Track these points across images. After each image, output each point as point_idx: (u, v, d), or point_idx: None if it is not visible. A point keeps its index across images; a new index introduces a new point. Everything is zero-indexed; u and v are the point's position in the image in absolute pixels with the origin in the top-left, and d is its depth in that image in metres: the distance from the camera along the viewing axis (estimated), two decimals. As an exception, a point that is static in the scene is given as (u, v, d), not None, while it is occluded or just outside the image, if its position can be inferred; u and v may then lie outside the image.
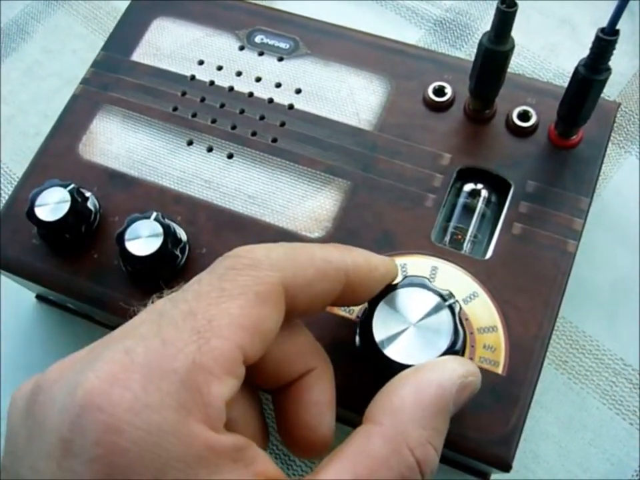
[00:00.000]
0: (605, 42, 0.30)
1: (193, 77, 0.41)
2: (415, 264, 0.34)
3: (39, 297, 0.45)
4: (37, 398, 0.22)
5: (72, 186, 0.35)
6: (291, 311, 0.25)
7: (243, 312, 0.23)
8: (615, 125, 0.38)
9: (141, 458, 0.19)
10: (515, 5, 0.31)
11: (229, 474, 0.21)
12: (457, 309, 0.30)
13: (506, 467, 0.31)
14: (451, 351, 0.29)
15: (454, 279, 0.34)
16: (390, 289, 0.30)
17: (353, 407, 0.33)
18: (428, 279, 0.31)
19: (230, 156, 0.38)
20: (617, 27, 0.29)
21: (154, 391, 0.20)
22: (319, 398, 0.27)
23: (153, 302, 0.24)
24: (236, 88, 0.40)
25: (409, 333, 0.29)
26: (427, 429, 0.24)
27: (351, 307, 0.34)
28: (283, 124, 0.39)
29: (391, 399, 0.25)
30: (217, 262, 0.25)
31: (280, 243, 0.27)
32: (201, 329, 0.22)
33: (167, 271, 0.35)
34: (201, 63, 0.41)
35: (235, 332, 0.22)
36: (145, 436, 0.20)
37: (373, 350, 0.29)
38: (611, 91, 0.47)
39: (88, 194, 0.37)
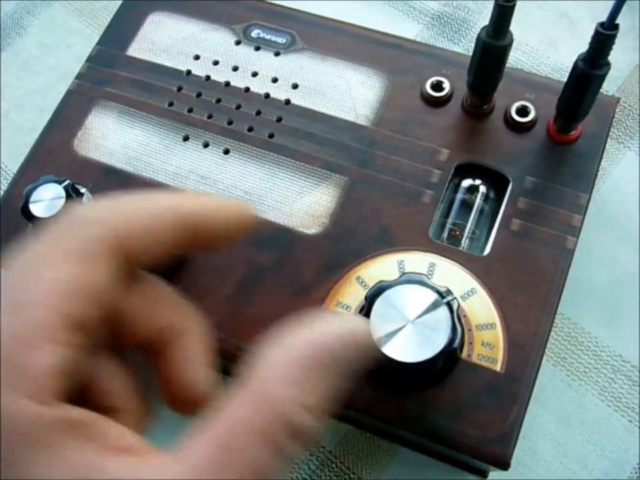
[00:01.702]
0: (604, 37, 0.30)
1: (188, 72, 0.40)
2: (413, 260, 0.34)
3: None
4: None
5: (67, 182, 0.35)
6: (133, 263, 0.23)
7: (60, 275, 0.21)
8: (614, 120, 0.38)
9: None
10: (514, -1, 0.30)
11: (64, 451, 0.20)
12: (455, 306, 0.30)
13: (504, 465, 0.31)
14: (448, 348, 0.29)
15: (452, 275, 0.34)
16: (382, 288, 0.30)
17: (351, 405, 0.32)
18: (426, 276, 0.31)
19: (226, 151, 0.38)
20: (617, 22, 0.29)
21: None
22: (190, 355, 0.25)
23: None
24: (232, 83, 0.40)
25: (406, 330, 0.29)
26: (299, 391, 0.22)
27: (348, 304, 0.34)
28: (279, 119, 0.39)
29: (262, 361, 0.23)
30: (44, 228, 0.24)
31: (112, 197, 0.25)
32: (17, 300, 0.21)
33: (163, 268, 0.34)
34: (197, 57, 0.41)
35: (52, 297, 0.21)
36: None
37: (370, 347, 0.29)
38: (609, 86, 0.47)
39: (83, 190, 0.36)
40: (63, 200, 0.34)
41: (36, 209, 0.34)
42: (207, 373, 0.26)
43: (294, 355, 0.23)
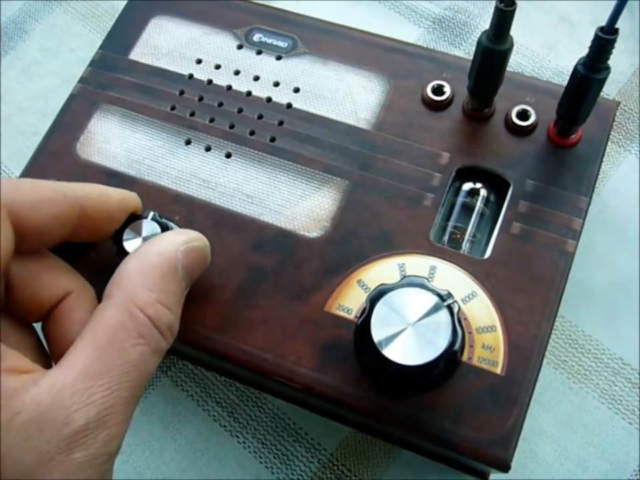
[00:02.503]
0: (604, 41, 0.30)
1: (190, 76, 0.41)
2: (414, 263, 0.34)
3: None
4: None
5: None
6: (23, 236, 0.27)
7: None
8: (614, 123, 0.38)
9: None
10: (514, 3, 0.30)
11: None
12: (455, 309, 0.30)
13: (505, 467, 0.31)
14: (449, 351, 0.29)
15: (452, 278, 0.34)
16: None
17: (352, 408, 0.33)
18: (426, 279, 0.31)
19: (228, 155, 0.38)
20: (616, 26, 0.29)
21: None
22: (81, 317, 0.29)
23: None
24: (234, 87, 0.40)
25: (407, 333, 0.29)
26: (155, 291, 0.27)
27: (350, 307, 0.34)
28: (281, 123, 0.39)
29: (119, 273, 0.28)
30: None
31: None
32: None
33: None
34: (199, 61, 0.41)
35: None
36: None
37: (371, 350, 0.29)
38: (610, 90, 0.47)
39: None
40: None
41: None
42: None
43: (147, 264, 0.28)
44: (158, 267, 0.28)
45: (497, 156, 0.37)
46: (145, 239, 0.33)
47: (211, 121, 0.39)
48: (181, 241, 0.29)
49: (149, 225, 0.33)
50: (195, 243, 0.30)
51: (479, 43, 0.33)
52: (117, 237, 0.33)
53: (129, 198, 0.33)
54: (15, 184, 0.27)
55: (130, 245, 0.33)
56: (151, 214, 0.34)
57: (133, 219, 0.34)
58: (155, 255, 0.28)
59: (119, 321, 0.26)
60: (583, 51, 0.31)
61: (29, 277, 0.28)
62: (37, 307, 0.29)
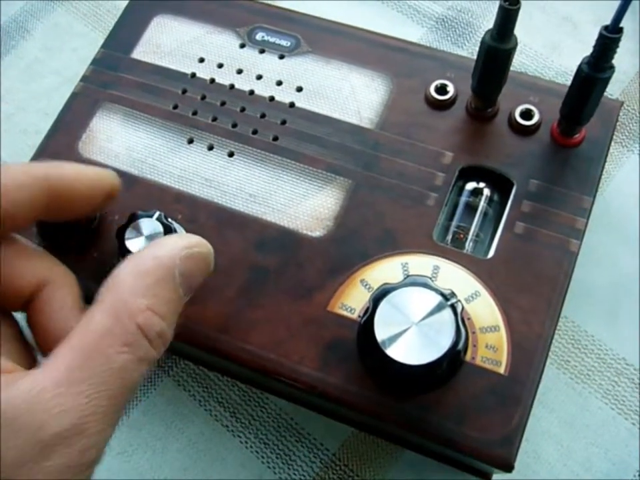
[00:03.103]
0: (609, 40, 0.30)
1: (193, 75, 0.41)
2: (417, 263, 0.34)
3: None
4: None
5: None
6: None
7: None
8: (618, 123, 0.38)
9: None
10: (518, 2, 0.30)
11: None
12: (458, 309, 0.30)
13: (508, 467, 0.31)
14: (452, 350, 0.29)
15: (456, 278, 0.34)
16: (386, 291, 0.30)
17: (354, 408, 0.32)
18: (430, 278, 0.31)
19: (231, 154, 0.38)
20: (621, 25, 0.29)
21: None
22: (61, 305, 0.28)
23: None
24: (237, 86, 0.40)
25: (410, 332, 0.29)
26: (148, 297, 0.26)
27: (353, 307, 0.34)
28: (284, 122, 0.39)
29: (112, 277, 0.26)
30: None
31: None
32: None
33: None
34: (201, 60, 0.41)
35: None
36: None
37: (374, 350, 0.29)
38: (613, 89, 0.47)
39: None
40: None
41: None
42: (76, 319, 0.28)
43: (142, 269, 0.26)
44: (153, 273, 0.26)
45: (501, 155, 0.37)
46: (147, 238, 0.33)
47: (214, 119, 0.39)
48: (181, 246, 0.28)
49: (151, 224, 0.33)
50: (196, 248, 0.28)
51: (482, 42, 0.33)
52: (119, 235, 0.33)
53: (104, 177, 0.32)
54: None
55: (132, 243, 0.33)
56: (157, 214, 0.34)
57: (137, 217, 0.34)
58: (151, 260, 0.27)
59: (106, 327, 0.25)
60: (586, 51, 0.31)
61: (9, 264, 0.28)
62: (14, 295, 0.28)
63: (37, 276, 0.28)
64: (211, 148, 0.38)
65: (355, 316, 0.34)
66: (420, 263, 0.34)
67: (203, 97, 0.40)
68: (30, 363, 0.27)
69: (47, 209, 0.29)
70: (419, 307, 0.30)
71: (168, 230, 0.33)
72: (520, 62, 0.49)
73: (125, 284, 0.26)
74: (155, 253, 0.27)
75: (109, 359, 0.24)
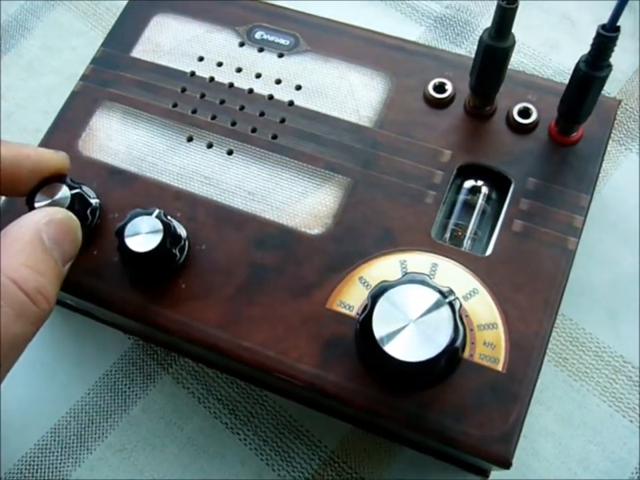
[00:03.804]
0: (606, 38, 0.30)
1: (192, 73, 0.41)
2: (415, 261, 0.34)
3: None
4: None
5: (76, 190, 0.35)
6: None
7: None
8: (616, 122, 0.38)
9: None
10: (516, 1, 0.30)
11: None
12: (457, 306, 0.30)
13: (506, 464, 0.31)
14: (451, 347, 0.29)
15: (454, 275, 0.34)
16: (385, 288, 0.30)
17: (353, 404, 0.33)
18: (428, 276, 0.31)
19: (230, 152, 0.38)
20: (618, 24, 0.29)
21: None
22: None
23: None
24: (236, 84, 0.40)
25: (409, 329, 0.29)
26: (22, 257, 0.27)
27: (351, 304, 0.34)
28: (283, 120, 0.39)
29: None
30: None
31: None
32: None
33: (165, 267, 0.35)
34: (200, 59, 0.41)
35: None
36: None
37: (373, 347, 0.29)
38: (611, 88, 0.47)
39: (93, 200, 0.36)
40: (68, 200, 0.34)
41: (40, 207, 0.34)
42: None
43: (10, 237, 0.28)
44: (21, 238, 0.28)
45: (499, 154, 0.37)
46: (147, 236, 0.33)
47: (213, 118, 0.39)
48: (42, 215, 0.30)
49: (150, 222, 0.33)
50: (58, 215, 0.30)
51: (480, 40, 0.33)
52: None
53: (46, 160, 0.34)
54: None
55: (132, 241, 0.33)
56: (156, 211, 0.34)
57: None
58: (17, 228, 0.29)
59: None
60: (584, 49, 0.31)
61: None
62: None
63: None
64: (210, 146, 0.39)
65: (353, 313, 0.34)
66: (418, 261, 0.34)
67: (202, 96, 0.40)
68: None
69: None
70: (417, 304, 0.30)
71: (167, 228, 0.33)
72: (518, 60, 0.49)
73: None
74: (17, 223, 0.29)
75: None
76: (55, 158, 0.34)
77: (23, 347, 0.27)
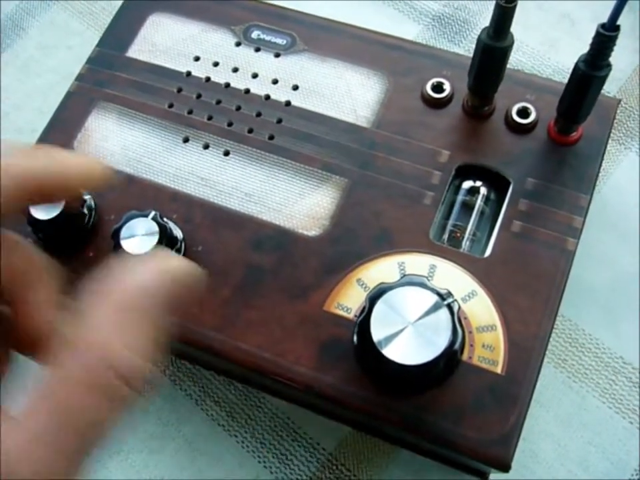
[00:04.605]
0: (605, 38, 0.29)
1: (189, 73, 0.40)
2: (413, 262, 0.34)
3: (35, 295, 0.45)
4: None
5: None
6: None
7: None
8: (615, 121, 0.38)
9: None
10: (514, 0, 0.30)
11: None
12: (455, 308, 0.30)
13: (505, 467, 0.31)
14: (449, 350, 0.29)
15: (452, 277, 0.34)
16: (386, 289, 0.30)
17: (351, 407, 0.32)
18: (426, 278, 0.31)
19: (226, 153, 0.38)
20: (618, 23, 0.29)
21: None
22: (39, 300, 0.26)
23: None
24: (232, 84, 0.40)
25: (407, 332, 0.29)
26: (126, 335, 0.22)
27: (349, 306, 0.33)
28: (279, 121, 0.39)
29: (83, 311, 0.23)
30: None
31: None
32: None
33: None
34: (197, 59, 0.41)
35: None
36: None
37: (371, 350, 0.29)
38: (610, 87, 0.47)
39: (87, 197, 0.36)
40: (63, 202, 0.34)
41: (35, 209, 0.34)
42: (55, 315, 0.26)
43: (110, 301, 0.22)
44: (131, 306, 0.23)
45: (497, 154, 0.36)
46: (142, 238, 0.33)
47: (209, 118, 0.39)
48: (164, 270, 0.24)
49: (146, 224, 0.33)
50: (181, 273, 0.24)
51: (479, 40, 0.33)
52: (115, 235, 0.33)
53: (91, 172, 0.28)
54: None
55: (127, 243, 0.33)
56: (152, 213, 0.34)
57: (132, 217, 0.34)
58: (119, 289, 0.23)
59: (76, 371, 0.22)
60: (584, 48, 0.31)
61: None
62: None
63: (15, 269, 0.26)
64: (206, 147, 0.38)
65: (351, 315, 0.33)
66: (416, 262, 0.34)
67: (199, 96, 0.40)
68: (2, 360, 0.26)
69: (27, 201, 0.26)
70: (415, 306, 0.29)
71: (163, 230, 0.33)
72: (517, 59, 0.49)
73: (92, 319, 0.22)
74: (123, 282, 0.23)
75: (80, 408, 0.22)
76: (96, 171, 0.28)
77: (109, 434, 0.23)
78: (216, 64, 0.41)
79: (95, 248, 0.36)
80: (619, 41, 0.30)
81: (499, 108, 0.37)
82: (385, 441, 0.39)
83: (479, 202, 0.36)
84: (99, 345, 0.22)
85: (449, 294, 0.30)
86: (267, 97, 0.39)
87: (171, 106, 0.40)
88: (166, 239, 0.33)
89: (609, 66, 0.31)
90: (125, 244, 0.33)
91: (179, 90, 0.40)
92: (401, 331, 0.29)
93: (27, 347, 0.26)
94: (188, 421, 0.41)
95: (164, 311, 0.23)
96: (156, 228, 0.33)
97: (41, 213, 0.34)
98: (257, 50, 0.41)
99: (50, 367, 0.22)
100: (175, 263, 0.24)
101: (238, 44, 0.41)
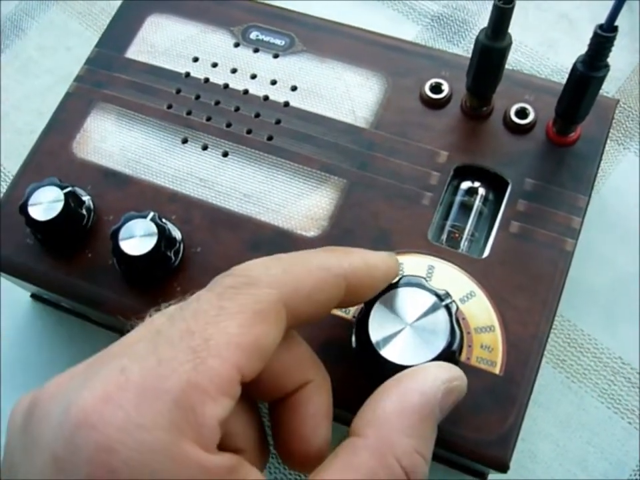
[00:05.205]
0: (604, 39, 0.29)
1: (187, 74, 0.40)
2: (412, 263, 0.34)
3: (34, 296, 0.45)
4: (34, 413, 0.22)
5: (69, 189, 0.35)
6: (291, 325, 0.25)
7: (241, 331, 0.22)
8: (614, 121, 0.38)
9: (131, 478, 0.19)
10: (512, 1, 0.30)
11: None
12: (453, 309, 0.30)
13: (503, 467, 0.31)
14: (447, 351, 0.29)
15: (451, 278, 0.34)
16: (389, 287, 0.30)
17: (348, 408, 0.32)
18: (424, 279, 0.31)
19: (225, 154, 0.38)
20: (616, 23, 0.29)
21: (147, 410, 0.20)
22: (315, 410, 0.27)
23: (150, 316, 0.24)
24: (231, 85, 0.40)
25: (405, 333, 0.29)
26: (413, 438, 0.24)
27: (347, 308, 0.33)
28: (278, 121, 0.39)
29: (375, 410, 0.25)
30: (215, 280, 0.24)
31: (277, 255, 0.26)
32: (197, 348, 0.21)
33: (160, 270, 0.34)
34: (195, 60, 0.41)
35: (232, 352, 0.22)
36: (136, 456, 0.19)
37: (369, 350, 0.29)
38: (609, 87, 0.47)
39: (85, 198, 0.36)
40: (61, 204, 0.34)
41: (33, 210, 0.34)
42: (329, 430, 0.27)
43: (407, 406, 0.24)
44: (418, 410, 0.24)
45: (496, 154, 0.36)
46: (141, 239, 0.33)
47: (208, 119, 0.39)
48: (444, 379, 0.26)
49: (145, 225, 0.33)
50: (456, 382, 0.26)
51: (477, 40, 0.33)
52: (114, 236, 0.33)
53: (392, 267, 0.30)
54: (286, 268, 0.25)
55: (126, 244, 0.33)
56: (150, 214, 0.34)
57: (130, 218, 0.34)
58: (418, 395, 0.25)
59: (371, 468, 0.23)
60: (582, 48, 0.31)
61: (275, 361, 0.25)
62: (274, 391, 0.26)
63: (302, 377, 0.27)
64: (205, 148, 0.38)
65: (349, 316, 0.33)
66: (414, 263, 0.34)
67: (197, 97, 0.40)
68: (262, 454, 0.27)
69: (337, 302, 0.27)
70: (413, 307, 0.29)
71: (162, 230, 0.33)
72: (515, 59, 0.49)
73: (390, 421, 0.24)
74: (419, 387, 0.25)
75: None
76: (396, 266, 0.30)
77: None
78: (215, 65, 0.41)
79: (94, 249, 0.36)
80: (617, 41, 0.30)
81: (498, 108, 0.37)
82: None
83: (478, 203, 0.36)
84: (388, 437, 0.24)
85: (447, 295, 0.30)
86: (266, 98, 0.39)
87: (169, 107, 0.40)
88: (164, 240, 0.33)
89: (607, 66, 0.31)
90: (124, 245, 0.33)
91: (178, 91, 0.40)
92: (399, 331, 0.29)
93: (290, 456, 0.27)
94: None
95: (439, 417, 0.26)
96: (154, 229, 0.33)
97: (40, 214, 0.34)
98: (256, 51, 0.41)
99: (332, 459, 0.23)
100: (456, 374, 0.26)
101: (237, 45, 0.41)
